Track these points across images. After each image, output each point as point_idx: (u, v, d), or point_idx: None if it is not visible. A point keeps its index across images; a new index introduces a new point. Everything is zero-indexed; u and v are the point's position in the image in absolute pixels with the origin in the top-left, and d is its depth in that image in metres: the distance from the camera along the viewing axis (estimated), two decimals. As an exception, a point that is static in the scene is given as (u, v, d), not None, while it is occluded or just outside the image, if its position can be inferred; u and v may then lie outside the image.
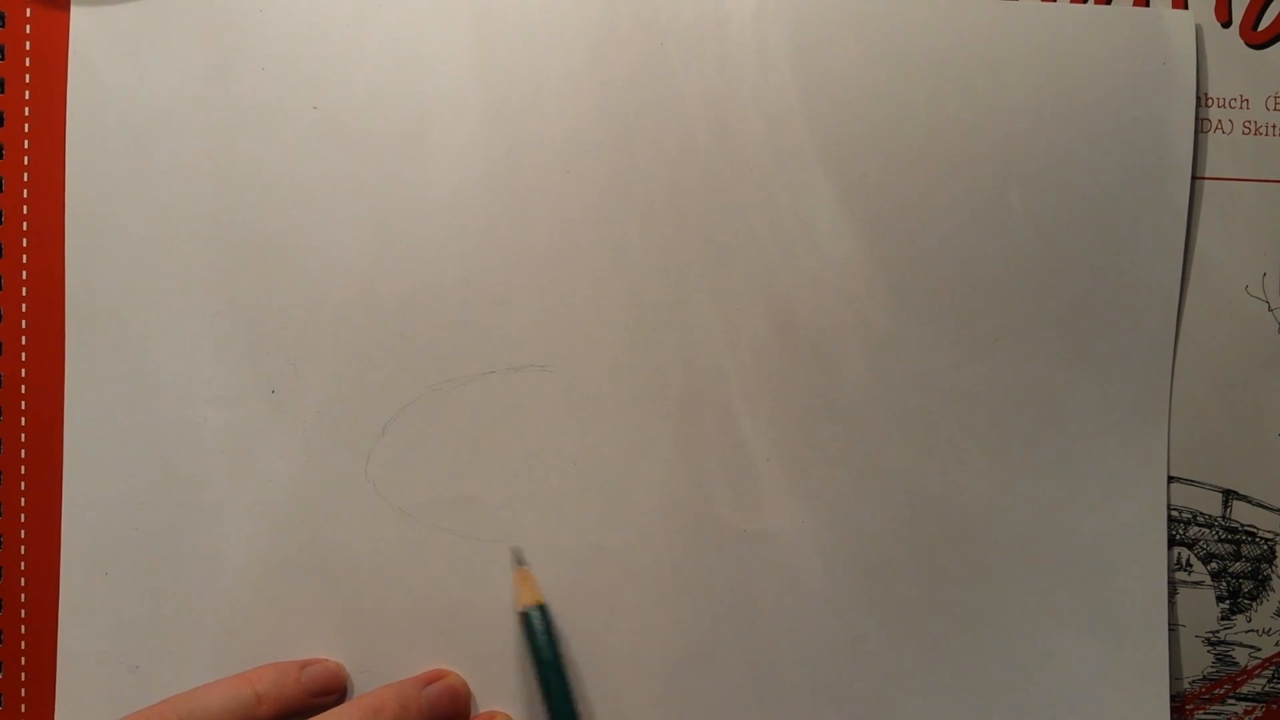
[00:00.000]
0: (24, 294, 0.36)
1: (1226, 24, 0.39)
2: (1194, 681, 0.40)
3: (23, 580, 0.36)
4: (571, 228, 0.37)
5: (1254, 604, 0.40)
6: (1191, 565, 0.40)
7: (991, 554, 0.38)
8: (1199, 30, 0.39)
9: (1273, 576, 0.40)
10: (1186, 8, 0.39)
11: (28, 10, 0.36)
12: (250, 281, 0.37)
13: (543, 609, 0.35)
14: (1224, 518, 0.40)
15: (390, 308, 0.37)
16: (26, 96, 0.36)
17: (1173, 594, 0.39)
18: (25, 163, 0.36)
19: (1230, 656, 0.40)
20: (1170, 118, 0.39)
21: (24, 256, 0.36)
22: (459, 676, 0.36)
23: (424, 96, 0.37)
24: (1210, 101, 0.39)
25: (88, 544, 0.36)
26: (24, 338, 0.36)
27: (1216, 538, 0.40)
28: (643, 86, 0.37)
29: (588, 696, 0.37)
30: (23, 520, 0.36)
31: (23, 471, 0.36)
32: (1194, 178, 0.39)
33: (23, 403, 0.36)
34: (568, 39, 0.37)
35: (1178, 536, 0.39)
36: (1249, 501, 0.40)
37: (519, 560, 0.36)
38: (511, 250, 0.37)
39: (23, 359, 0.36)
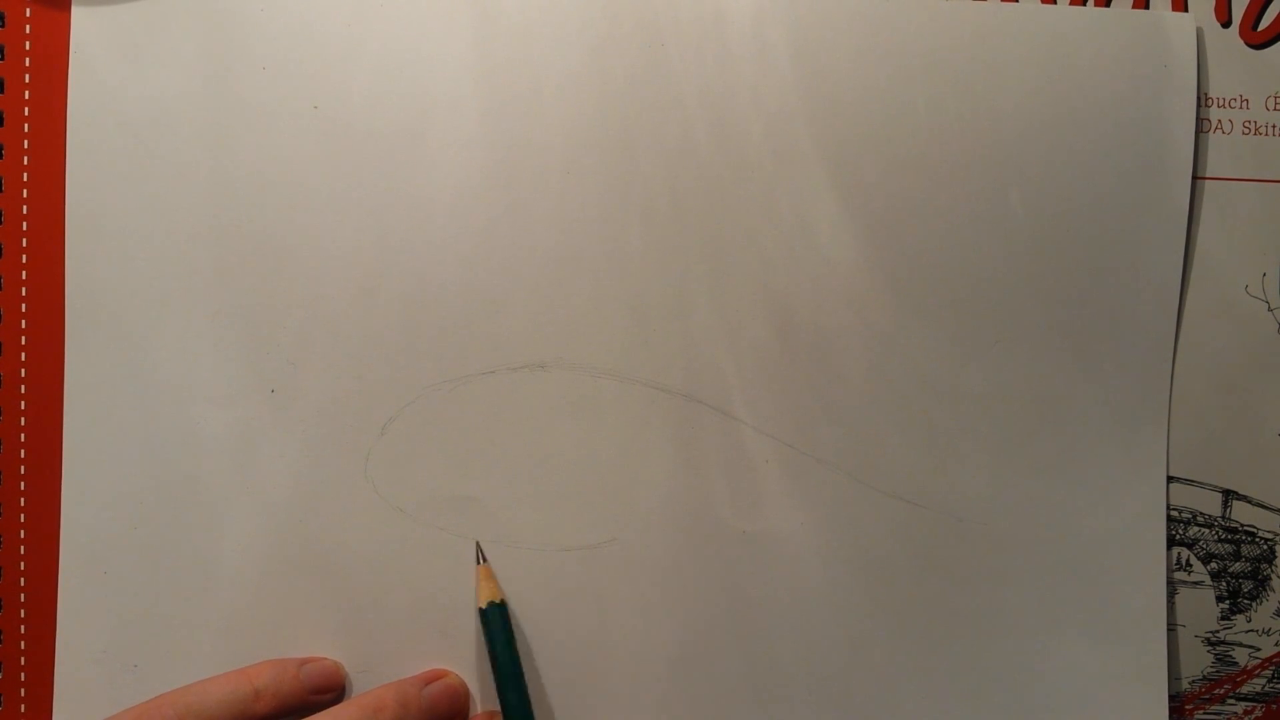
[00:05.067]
0: (24, 294, 0.36)
1: (1226, 24, 0.39)
2: (1194, 681, 0.40)
3: (22, 579, 0.36)
4: (571, 228, 0.37)
5: (1254, 604, 0.40)
6: (1191, 565, 0.40)
7: (991, 554, 0.38)
8: (1200, 33, 0.39)
9: (1273, 576, 0.40)
10: (1186, 9, 0.39)
11: (28, 10, 0.36)
12: (250, 281, 0.37)
13: (501, 607, 0.35)
14: (1224, 518, 0.40)
15: (390, 308, 0.37)
16: (26, 96, 0.36)
17: (1172, 594, 0.39)
18: (25, 163, 0.36)
19: (1230, 656, 0.40)
20: (1170, 119, 0.39)
21: (24, 256, 0.36)
22: (458, 676, 0.36)
23: (424, 96, 0.37)
24: (1210, 101, 0.39)
25: (87, 543, 0.36)
26: (24, 338, 0.36)
27: (1216, 538, 0.40)
28: (643, 86, 0.37)
29: (588, 696, 0.37)
30: (22, 520, 0.36)
31: (23, 471, 0.36)
32: (1194, 178, 0.39)
33: (23, 403, 0.36)
34: (568, 39, 0.37)
35: (1178, 536, 0.39)
36: (1249, 501, 0.40)
37: (481, 557, 0.36)
38: (511, 250, 0.37)
39: (23, 359, 0.36)
